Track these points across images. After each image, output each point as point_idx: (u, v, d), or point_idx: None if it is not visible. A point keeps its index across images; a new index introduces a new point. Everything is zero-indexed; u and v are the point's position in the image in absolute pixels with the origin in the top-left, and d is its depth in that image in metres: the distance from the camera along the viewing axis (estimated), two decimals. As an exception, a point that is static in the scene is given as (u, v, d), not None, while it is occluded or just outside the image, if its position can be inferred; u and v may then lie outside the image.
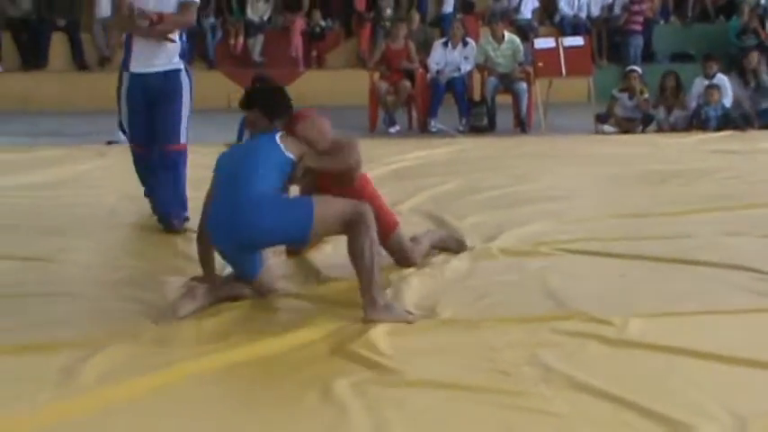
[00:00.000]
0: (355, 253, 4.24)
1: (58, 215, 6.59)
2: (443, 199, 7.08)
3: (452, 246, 5.41)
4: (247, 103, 4.67)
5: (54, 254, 5.45)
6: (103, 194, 7.39)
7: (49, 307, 4.47)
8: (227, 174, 4.47)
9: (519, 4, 16.22)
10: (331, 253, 5.25)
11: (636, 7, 16.05)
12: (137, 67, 6.17)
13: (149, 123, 6.19)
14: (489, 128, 11.89)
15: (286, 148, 4.45)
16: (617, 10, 16.30)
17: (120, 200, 7.13)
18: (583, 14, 16.37)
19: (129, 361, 3.73)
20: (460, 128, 11.95)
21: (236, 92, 13.13)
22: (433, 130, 11.87)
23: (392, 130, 11.97)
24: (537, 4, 16.42)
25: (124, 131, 6.94)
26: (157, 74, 6.16)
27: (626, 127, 11.59)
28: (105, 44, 15.33)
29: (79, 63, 15.43)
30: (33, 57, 15.11)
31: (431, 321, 4.19)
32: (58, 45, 15.40)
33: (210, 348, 3.86)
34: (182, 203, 6.19)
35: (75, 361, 3.66)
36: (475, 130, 11.81)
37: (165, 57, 6.19)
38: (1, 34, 15.08)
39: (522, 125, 11.97)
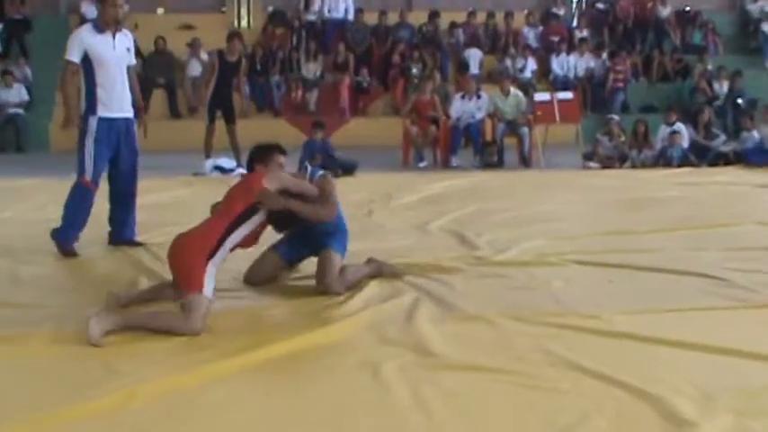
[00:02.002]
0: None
1: (162, 233, 6.59)
2: (464, 220, 7.07)
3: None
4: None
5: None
6: (190, 214, 7.40)
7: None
8: None
9: (523, 66, 16.28)
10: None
11: (618, 68, 16.04)
12: (104, 111, 5.67)
13: (106, 165, 5.75)
14: (499, 164, 11.85)
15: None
16: (597, 72, 16.33)
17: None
18: (571, 74, 16.41)
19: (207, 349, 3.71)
20: (475, 164, 11.93)
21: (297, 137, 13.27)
22: (454, 165, 11.85)
23: (421, 164, 11.97)
24: (535, 66, 16.44)
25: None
26: (121, 119, 5.75)
27: (607, 163, 11.51)
28: (194, 97, 15.49)
29: (174, 112, 15.58)
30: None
31: (459, 315, 4.19)
32: (158, 98, 15.55)
33: (267, 339, 3.76)
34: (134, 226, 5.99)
35: (116, 356, 3.58)
36: (487, 165, 11.77)
37: (127, 105, 5.80)
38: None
39: (524, 161, 11.95)
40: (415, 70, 15.52)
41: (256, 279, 4.80)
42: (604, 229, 6.53)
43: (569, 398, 3.12)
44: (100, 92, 5.67)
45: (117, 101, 5.72)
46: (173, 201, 8.52)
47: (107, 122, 5.69)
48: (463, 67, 15.93)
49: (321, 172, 4.72)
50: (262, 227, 4.35)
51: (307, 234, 4.67)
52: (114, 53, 5.73)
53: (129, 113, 5.86)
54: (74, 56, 5.67)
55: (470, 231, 6.44)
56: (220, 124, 10.83)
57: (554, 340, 3.75)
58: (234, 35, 10.88)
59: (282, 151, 4.63)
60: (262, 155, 4.58)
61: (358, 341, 3.84)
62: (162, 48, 15.78)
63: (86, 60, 5.68)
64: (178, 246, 4.14)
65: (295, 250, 4.84)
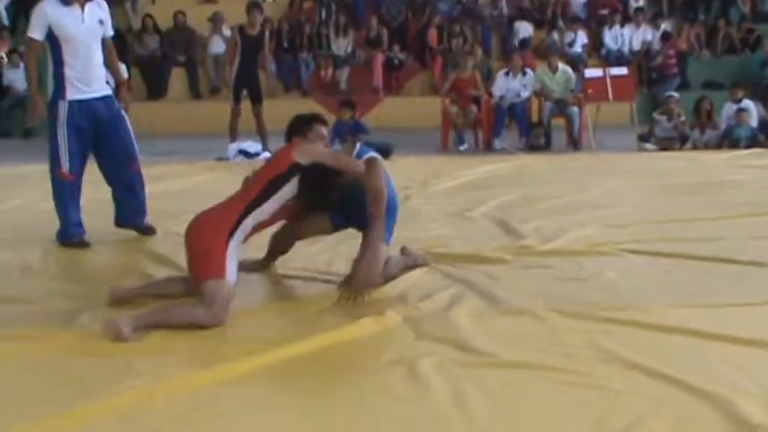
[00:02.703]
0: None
1: (181, 222, 6.62)
2: (508, 207, 7.05)
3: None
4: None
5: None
6: (212, 202, 7.45)
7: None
8: None
9: (572, 40, 16.17)
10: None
11: (669, 51, 15.73)
12: (74, 93, 5.46)
13: (87, 151, 5.61)
14: (546, 146, 11.82)
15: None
16: (655, 45, 16.14)
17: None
18: (625, 49, 16.26)
19: (236, 344, 3.75)
20: (520, 146, 11.91)
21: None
22: (497, 148, 11.83)
23: (461, 148, 11.96)
24: (586, 40, 16.32)
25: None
26: (96, 99, 5.53)
27: (665, 145, 11.44)
28: (216, 76, 15.58)
29: (195, 92, 15.68)
30: (156, 88, 15.39)
31: (503, 309, 4.19)
32: (177, 78, 15.67)
33: (293, 335, 3.79)
34: (144, 211, 5.92)
35: (134, 353, 3.62)
36: (533, 148, 11.74)
37: (101, 82, 5.60)
38: (131, 70, 15.39)
39: (574, 143, 11.90)
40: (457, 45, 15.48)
41: (286, 240, 4.81)
42: (661, 217, 6.49)
43: (623, 398, 3.11)
44: (68, 72, 5.44)
45: (89, 80, 5.49)
46: (193, 187, 8.58)
47: (78, 105, 5.48)
48: (524, 42, 15.79)
49: (371, 153, 4.45)
50: (293, 203, 4.26)
51: (358, 207, 4.46)
52: (83, 27, 5.46)
53: (105, 91, 5.62)
54: (36, 32, 5.43)
55: (515, 219, 6.43)
56: (246, 105, 10.88)
57: (606, 336, 3.74)
58: (253, 5, 10.75)
59: (323, 122, 4.57)
60: (300, 125, 4.50)
61: (393, 337, 3.85)
62: (181, 23, 15.87)
63: (52, 37, 5.44)
64: (196, 226, 4.10)
65: (344, 218, 4.70)
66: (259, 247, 4.82)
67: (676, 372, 3.29)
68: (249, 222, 4.12)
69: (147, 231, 5.90)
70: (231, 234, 4.04)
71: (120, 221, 5.92)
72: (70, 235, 5.64)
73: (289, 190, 4.21)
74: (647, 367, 3.36)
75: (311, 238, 4.94)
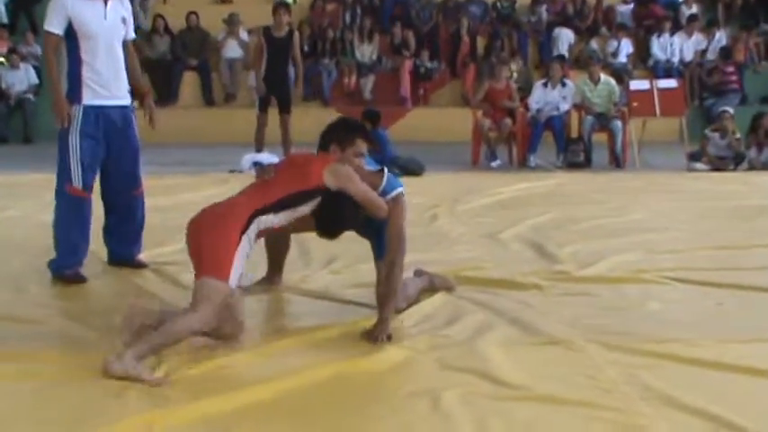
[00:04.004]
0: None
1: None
2: (543, 228, 7.01)
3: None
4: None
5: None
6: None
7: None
8: None
9: (616, 49, 16.15)
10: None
11: (728, 68, 15.60)
12: (92, 98, 5.26)
13: (98, 166, 5.37)
14: (586, 164, 11.79)
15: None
16: (710, 55, 16.04)
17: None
18: (675, 59, 16.21)
19: (248, 371, 3.75)
20: (558, 163, 11.88)
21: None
22: (532, 165, 11.81)
23: (494, 164, 11.94)
24: (631, 49, 16.30)
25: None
26: (114, 108, 5.34)
27: (718, 165, 11.37)
28: (231, 82, 15.67)
29: (207, 99, 15.76)
30: (166, 94, 15.48)
31: (536, 339, 4.16)
32: (189, 83, 15.76)
33: (309, 362, 3.78)
34: (139, 240, 5.68)
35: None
36: (572, 165, 11.71)
37: (123, 89, 5.40)
38: (139, 73, 15.46)
39: (616, 161, 11.87)
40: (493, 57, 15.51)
41: (281, 241, 4.84)
42: (712, 243, 6.44)
43: (666, 440, 3.07)
44: (86, 73, 5.26)
45: (108, 84, 5.31)
46: (204, 201, 8.48)
47: (96, 112, 5.28)
48: (548, 50, 15.79)
49: (398, 190, 4.41)
50: (300, 222, 4.24)
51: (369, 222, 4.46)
52: (105, 24, 5.29)
53: (126, 100, 5.45)
54: (54, 26, 5.25)
55: (550, 242, 6.39)
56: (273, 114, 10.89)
57: (648, 371, 3.69)
58: (280, 5, 10.86)
59: (366, 137, 4.49)
60: (342, 134, 4.41)
61: (416, 366, 3.83)
62: (194, 24, 16.03)
63: (70, 33, 5.25)
64: (205, 220, 4.05)
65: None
66: (256, 261, 4.79)
67: (728, 413, 3.23)
68: (258, 226, 4.08)
69: (140, 266, 5.64)
70: (243, 233, 4.00)
71: (115, 256, 5.67)
72: (65, 265, 5.30)
73: (306, 209, 4.19)
74: (694, 407, 3.31)
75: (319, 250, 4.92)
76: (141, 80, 5.87)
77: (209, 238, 3.95)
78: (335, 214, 4.23)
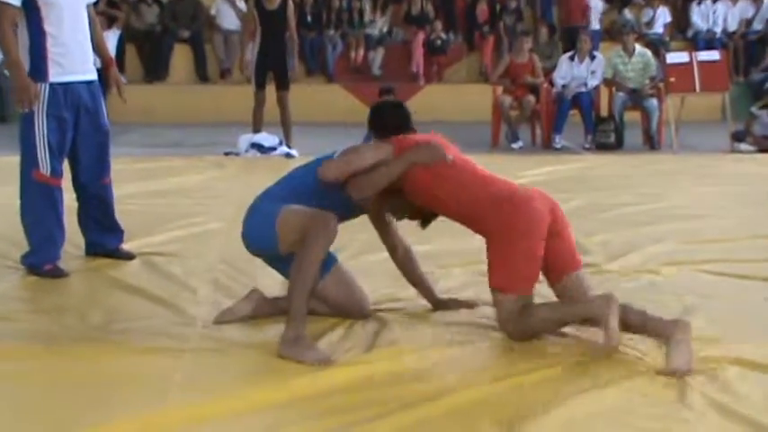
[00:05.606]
0: (293, 268, 4.01)
1: (185, 225, 6.61)
2: (569, 216, 6.81)
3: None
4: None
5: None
6: (221, 202, 7.47)
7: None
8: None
9: (651, 18, 16.08)
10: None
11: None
12: (58, 74, 5.16)
13: (67, 149, 5.30)
14: (617, 145, 11.76)
15: None
16: (757, 25, 15.96)
17: (239, 209, 7.17)
18: (718, 29, 16.14)
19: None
20: (586, 145, 11.85)
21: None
22: (558, 146, 11.79)
23: (515, 145, 11.92)
24: (669, 19, 16.23)
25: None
26: (83, 84, 5.27)
27: (764, 146, 11.32)
28: (227, 56, 15.64)
29: (201, 75, 15.74)
30: (155, 69, 15.48)
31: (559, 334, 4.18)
32: (181, 57, 15.75)
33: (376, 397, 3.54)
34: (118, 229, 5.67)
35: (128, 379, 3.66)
36: (601, 147, 11.69)
37: (89, 62, 5.30)
38: (125, 46, 15.45)
39: (651, 142, 11.84)
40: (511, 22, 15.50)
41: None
42: (757, 232, 6.42)
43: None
44: (51, 46, 5.12)
45: (75, 58, 5.20)
46: (199, 186, 8.62)
47: (63, 89, 5.19)
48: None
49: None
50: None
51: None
52: None
53: (93, 74, 5.35)
54: None
55: (578, 231, 6.29)
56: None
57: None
58: None
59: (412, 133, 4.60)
60: (389, 129, 4.51)
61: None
62: (186, -8, 15.99)
63: (29, 2, 5.08)
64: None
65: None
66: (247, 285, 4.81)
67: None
68: None
69: (125, 257, 5.61)
70: None
71: (92, 246, 5.64)
72: (42, 259, 5.24)
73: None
74: (740, 412, 3.29)
75: None
76: (106, 49, 5.77)
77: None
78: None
